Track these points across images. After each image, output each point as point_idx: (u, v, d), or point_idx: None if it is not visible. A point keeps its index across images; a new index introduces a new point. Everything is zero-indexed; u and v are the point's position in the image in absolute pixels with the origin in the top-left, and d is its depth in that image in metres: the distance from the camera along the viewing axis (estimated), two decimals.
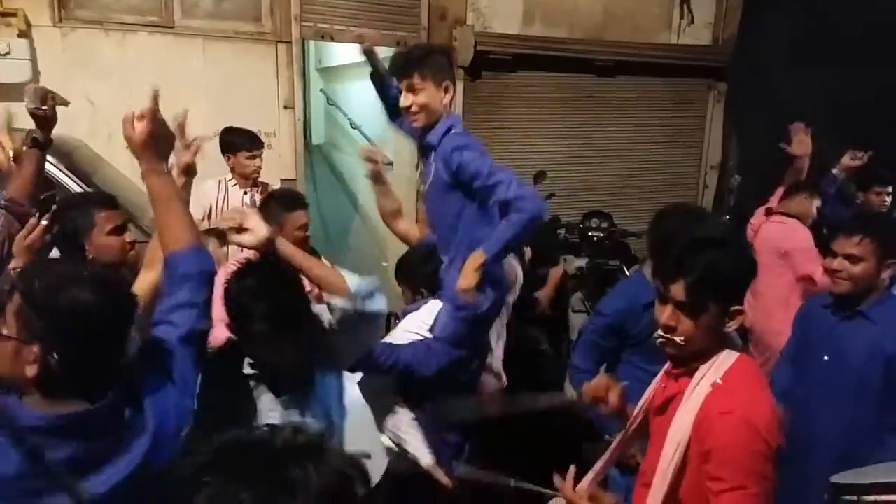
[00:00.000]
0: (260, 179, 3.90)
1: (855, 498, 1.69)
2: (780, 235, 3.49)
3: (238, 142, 3.74)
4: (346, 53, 7.21)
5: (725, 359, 1.56)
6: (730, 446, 1.45)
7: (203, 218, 3.68)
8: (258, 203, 3.49)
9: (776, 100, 5.70)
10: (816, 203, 3.54)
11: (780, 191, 3.74)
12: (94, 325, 1.15)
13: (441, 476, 2.15)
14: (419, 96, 2.20)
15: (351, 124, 7.34)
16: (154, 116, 1.50)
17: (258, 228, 1.74)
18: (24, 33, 4.35)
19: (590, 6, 6.00)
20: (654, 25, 6.29)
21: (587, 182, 6.37)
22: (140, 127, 1.49)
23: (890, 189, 3.95)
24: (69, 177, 3.38)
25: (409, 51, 2.34)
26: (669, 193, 6.74)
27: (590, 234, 5.04)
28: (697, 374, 1.56)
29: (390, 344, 2.11)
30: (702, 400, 1.52)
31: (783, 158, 3.79)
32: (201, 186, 3.65)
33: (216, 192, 3.75)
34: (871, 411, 2.29)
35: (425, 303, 2.30)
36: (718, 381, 1.52)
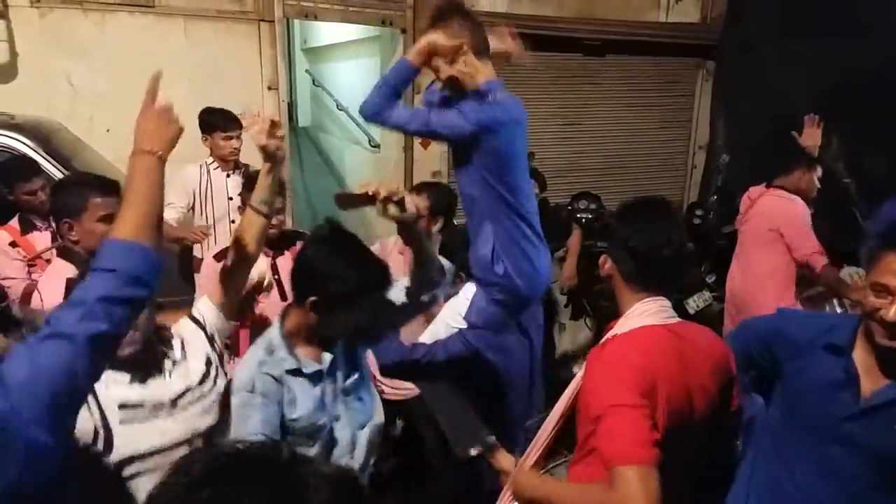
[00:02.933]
0: (243, 162, 3.82)
1: None
2: (776, 211, 3.49)
3: (214, 122, 3.63)
4: (332, 33, 7.13)
5: (630, 321, 1.59)
6: (591, 382, 1.52)
7: (189, 203, 3.62)
8: (241, 186, 3.37)
9: (765, 79, 5.68)
10: (817, 174, 3.54)
11: None
12: None
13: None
14: (444, 72, 2.04)
15: (338, 106, 7.27)
16: (157, 101, 1.46)
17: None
18: (2, 14, 4.25)
19: None
20: (643, 3, 6.24)
21: (575, 163, 6.35)
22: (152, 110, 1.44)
23: None
24: (48, 160, 3.31)
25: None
26: (658, 174, 6.74)
27: (578, 215, 5.03)
28: (608, 333, 1.64)
29: (424, 344, 2.12)
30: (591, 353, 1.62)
31: (790, 146, 3.74)
32: (182, 172, 3.59)
33: (198, 177, 3.67)
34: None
35: (464, 286, 2.24)
36: (610, 336, 1.59)
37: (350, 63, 7.18)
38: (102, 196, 2.22)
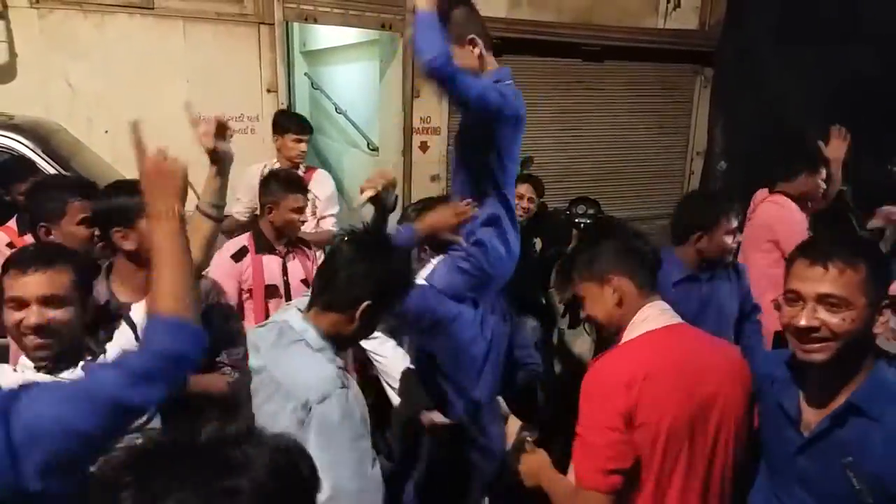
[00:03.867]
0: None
1: None
2: (774, 220, 3.48)
3: (287, 124, 3.79)
4: (331, 37, 7.13)
5: (633, 330, 1.61)
6: (582, 395, 1.54)
7: (252, 200, 3.63)
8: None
9: (763, 85, 5.71)
10: (821, 177, 3.53)
11: None
12: None
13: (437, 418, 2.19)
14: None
15: (336, 109, 7.28)
16: (144, 153, 1.39)
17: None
18: (1, 15, 4.25)
19: None
20: (641, 10, 6.26)
21: (574, 168, 6.36)
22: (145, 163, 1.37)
23: None
24: (47, 161, 3.31)
25: None
26: (656, 179, 6.76)
27: (576, 220, 5.03)
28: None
29: None
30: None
31: (792, 151, 3.73)
32: (247, 170, 3.73)
33: (258, 177, 3.76)
34: None
35: (430, 261, 2.27)
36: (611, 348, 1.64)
37: (349, 66, 7.19)
38: (81, 199, 2.18)
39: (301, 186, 2.84)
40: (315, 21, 5.19)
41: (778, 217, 3.47)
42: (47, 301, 1.50)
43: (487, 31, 2.12)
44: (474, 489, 2.43)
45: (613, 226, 1.73)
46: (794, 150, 3.66)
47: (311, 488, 0.78)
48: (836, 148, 3.62)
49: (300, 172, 3.83)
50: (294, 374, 1.52)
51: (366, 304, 1.57)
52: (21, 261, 1.53)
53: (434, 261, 2.24)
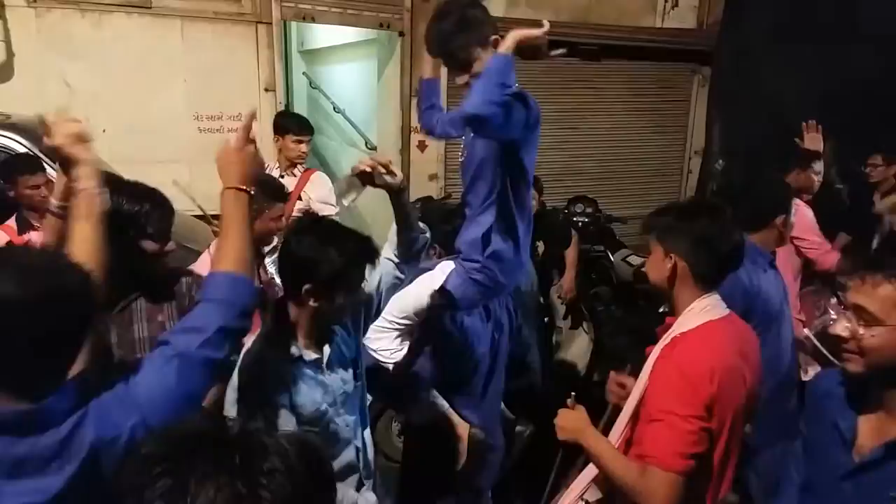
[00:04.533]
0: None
1: None
2: None
3: (287, 125, 3.80)
4: (329, 36, 7.12)
5: (693, 317, 1.65)
6: (656, 383, 1.60)
7: None
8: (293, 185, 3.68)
9: (760, 85, 5.72)
10: (815, 170, 3.54)
11: None
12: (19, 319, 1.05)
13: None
14: (475, 68, 1.95)
15: (334, 108, 7.26)
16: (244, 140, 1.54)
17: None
18: None
19: None
20: (639, 9, 6.26)
21: (572, 167, 6.36)
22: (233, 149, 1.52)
23: None
24: (44, 160, 3.30)
25: (438, 32, 2.00)
26: (653, 178, 6.76)
27: (574, 219, 5.03)
28: (671, 330, 1.69)
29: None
30: (659, 350, 1.68)
31: (786, 149, 3.74)
32: None
33: None
34: None
35: (439, 262, 2.27)
36: (678, 334, 1.65)
37: (347, 66, 7.18)
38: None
39: (284, 196, 2.81)
40: (313, 20, 5.19)
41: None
42: None
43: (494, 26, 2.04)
44: (482, 486, 2.45)
45: (715, 208, 1.71)
46: (786, 149, 3.68)
47: (331, 478, 0.83)
48: (811, 140, 3.65)
49: (296, 172, 3.84)
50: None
51: (306, 286, 1.69)
52: None
53: (443, 267, 2.18)
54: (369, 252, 1.80)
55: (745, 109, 5.97)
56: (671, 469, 1.51)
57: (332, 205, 3.96)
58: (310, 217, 1.85)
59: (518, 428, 2.88)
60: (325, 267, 1.67)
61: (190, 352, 1.26)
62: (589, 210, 5.15)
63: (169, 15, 4.65)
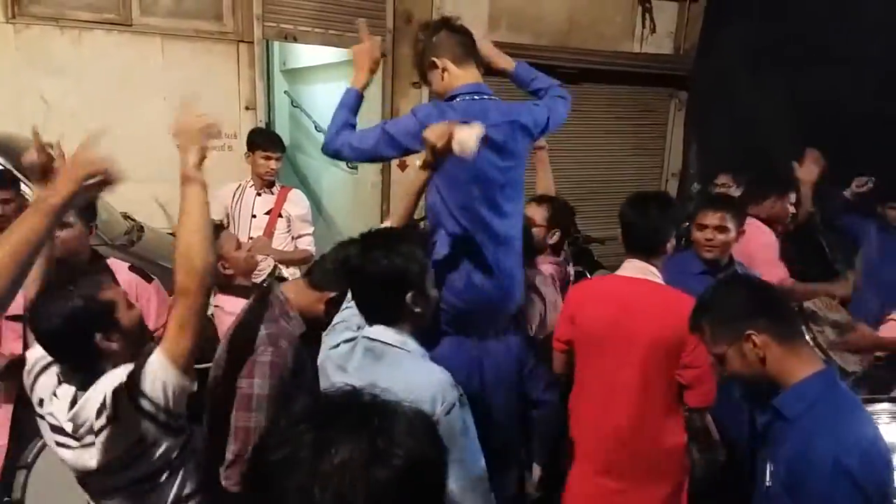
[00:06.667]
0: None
1: None
2: (746, 237, 3.53)
3: (257, 141, 3.82)
4: (311, 55, 7.14)
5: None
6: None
7: (223, 219, 3.77)
8: (272, 203, 3.78)
9: (736, 109, 5.82)
10: (790, 201, 3.60)
11: None
12: None
13: None
14: (431, 89, 2.24)
15: (316, 127, 7.27)
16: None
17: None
18: None
19: (555, 13, 6.05)
20: (617, 34, 6.37)
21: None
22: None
23: None
24: (18, 177, 3.26)
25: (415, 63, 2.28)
26: None
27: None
28: None
29: None
30: None
31: (762, 175, 3.80)
32: (220, 189, 3.74)
33: (232, 194, 3.85)
34: None
35: None
36: None
37: (329, 85, 7.20)
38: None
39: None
40: (295, 40, 5.21)
41: (749, 233, 3.51)
42: None
43: (462, 47, 2.17)
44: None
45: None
46: (763, 174, 3.73)
47: (444, 446, 0.90)
48: (808, 171, 3.67)
49: (274, 190, 3.84)
50: (418, 386, 1.54)
51: (410, 293, 1.65)
52: None
53: None
54: (423, 235, 1.85)
55: (722, 133, 6.06)
56: None
57: (311, 223, 3.97)
58: (379, 230, 1.82)
59: None
60: (415, 267, 1.67)
61: None
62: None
63: (149, 33, 4.65)
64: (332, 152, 2.12)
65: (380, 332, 1.68)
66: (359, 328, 1.76)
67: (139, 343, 1.74)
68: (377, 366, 1.65)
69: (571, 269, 3.14)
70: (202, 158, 1.67)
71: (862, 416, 1.50)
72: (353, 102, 2.19)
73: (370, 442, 0.80)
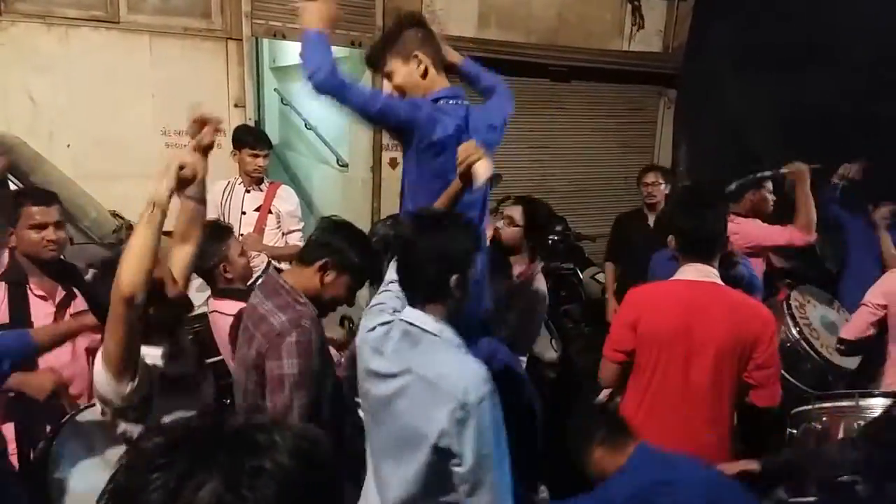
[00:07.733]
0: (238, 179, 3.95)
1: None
2: (736, 232, 3.57)
3: (244, 139, 3.83)
4: None
5: None
6: None
7: (216, 216, 3.76)
8: (261, 200, 3.81)
9: (725, 108, 5.85)
10: (767, 190, 3.69)
11: None
12: None
13: None
14: (394, 80, 2.19)
15: (306, 125, 7.25)
16: None
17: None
18: None
19: (544, 11, 6.06)
20: (606, 32, 6.39)
21: (541, 186, 6.42)
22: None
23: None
24: (7, 175, 3.25)
25: (377, 40, 2.29)
26: (620, 197, 6.85)
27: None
28: None
29: None
30: None
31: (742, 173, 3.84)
32: (212, 186, 3.74)
33: (222, 191, 3.87)
34: None
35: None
36: None
37: None
38: (36, 205, 2.42)
39: (230, 233, 2.80)
40: (283, 37, 5.19)
41: (743, 235, 3.54)
42: None
43: (441, 53, 2.21)
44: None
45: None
46: (742, 173, 3.77)
47: (333, 477, 0.80)
48: (799, 171, 3.67)
49: (262, 187, 3.84)
50: (450, 374, 1.55)
51: (455, 276, 1.64)
52: None
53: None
54: (475, 226, 1.83)
55: (710, 131, 6.10)
56: None
57: (300, 218, 3.97)
58: (420, 214, 1.82)
59: None
60: (464, 250, 1.66)
61: None
62: (558, 228, 5.21)
63: (137, 30, 4.61)
64: (322, 81, 1.99)
65: (418, 316, 1.67)
66: (394, 311, 1.76)
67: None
68: (413, 351, 1.65)
69: (539, 266, 3.12)
70: (170, 190, 1.80)
71: None
72: (326, 41, 2.07)
73: (213, 483, 0.69)
